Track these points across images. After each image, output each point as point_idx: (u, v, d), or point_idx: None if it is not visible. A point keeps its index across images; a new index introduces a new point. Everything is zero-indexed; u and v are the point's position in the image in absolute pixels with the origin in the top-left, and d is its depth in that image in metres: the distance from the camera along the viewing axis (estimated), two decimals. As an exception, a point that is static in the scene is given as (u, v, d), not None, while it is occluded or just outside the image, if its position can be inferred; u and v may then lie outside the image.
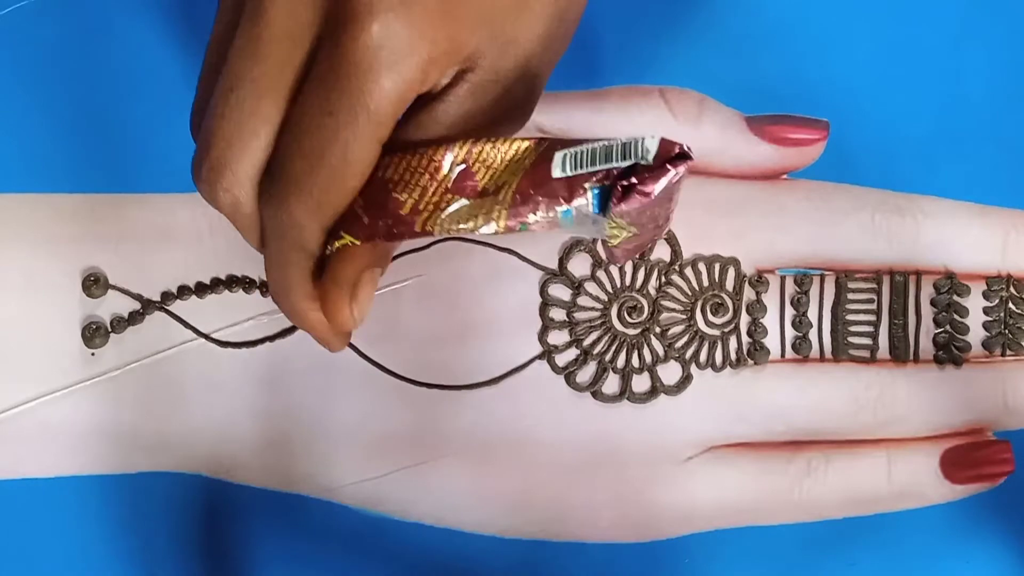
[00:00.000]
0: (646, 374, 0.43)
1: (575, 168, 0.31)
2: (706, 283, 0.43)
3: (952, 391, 0.43)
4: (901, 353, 0.43)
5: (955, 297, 0.43)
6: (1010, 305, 0.44)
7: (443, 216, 0.32)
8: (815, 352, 0.43)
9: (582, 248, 0.43)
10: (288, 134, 0.31)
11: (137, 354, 0.43)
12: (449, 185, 0.32)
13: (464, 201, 0.32)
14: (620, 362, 0.43)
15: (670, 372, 0.43)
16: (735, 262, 0.43)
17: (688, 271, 0.43)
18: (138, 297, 0.43)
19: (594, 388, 0.43)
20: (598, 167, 0.31)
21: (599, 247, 0.34)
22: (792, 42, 0.44)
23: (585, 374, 0.43)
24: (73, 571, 0.42)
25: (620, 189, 0.31)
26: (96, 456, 0.43)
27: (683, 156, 0.31)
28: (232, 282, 0.43)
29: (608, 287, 0.43)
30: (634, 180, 0.31)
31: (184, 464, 0.43)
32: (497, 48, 0.32)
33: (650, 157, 0.31)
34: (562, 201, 0.31)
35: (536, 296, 0.43)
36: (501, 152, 0.32)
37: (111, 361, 0.43)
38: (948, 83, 0.44)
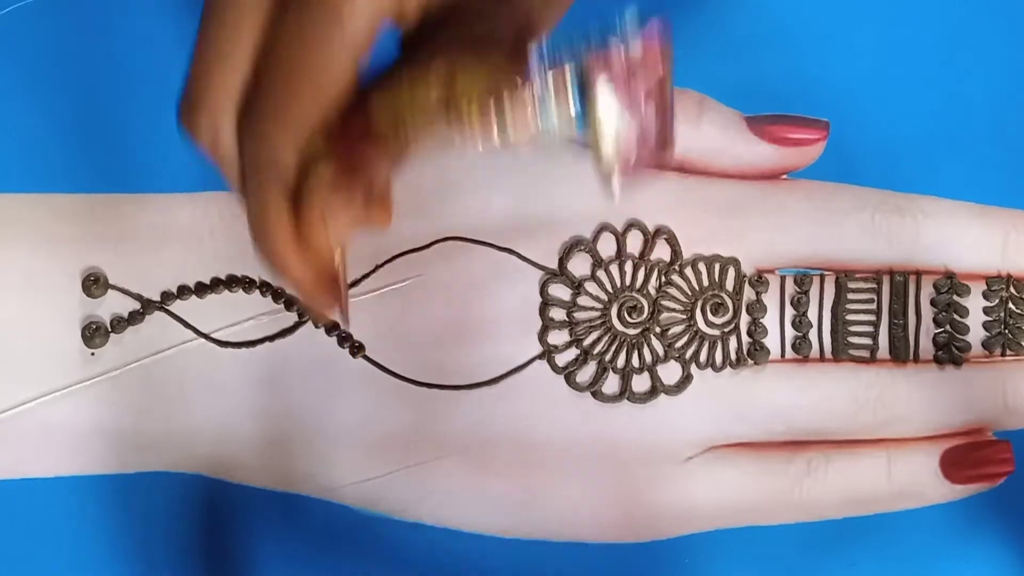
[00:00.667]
0: (646, 374, 0.43)
1: (552, 61, 0.29)
2: (706, 283, 0.43)
3: (952, 391, 0.43)
4: (901, 353, 0.43)
5: (955, 297, 0.43)
6: (1010, 305, 0.44)
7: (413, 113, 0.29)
8: (815, 352, 0.43)
9: (582, 248, 0.43)
10: (264, 59, 0.30)
11: (137, 354, 0.43)
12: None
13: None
14: (620, 362, 0.43)
15: (670, 372, 0.43)
16: (735, 262, 0.43)
17: (688, 271, 0.43)
18: (138, 297, 0.43)
19: (594, 388, 0.43)
20: (575, 49, 0.29)
21: (599, 174, 0.31)
22: (792, 42, 0.44)
23: (585, 374, 0.43)
24: (73, 571, 0.42)
25: (600, 59, 0.28)
26: (96, 456, 0.43)
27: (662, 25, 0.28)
28: (232, 282, 0.43)
29: (608, 287, 0.43)
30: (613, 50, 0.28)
31: (184, 464, 0.43)
32: None
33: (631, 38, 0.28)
34: (537, 74, 0.28)
35: (536, 296, 0.43)
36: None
37: (111, 361, 0.43)
38: (948, 83, 0.44)
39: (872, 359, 0.43)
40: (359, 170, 0.31)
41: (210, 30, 0.30)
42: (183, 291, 0.43)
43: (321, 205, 0.30)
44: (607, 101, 0.29)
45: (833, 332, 0.43)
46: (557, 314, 0.43)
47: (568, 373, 0.43)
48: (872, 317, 0.43)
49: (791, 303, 0.43)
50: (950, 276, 0.43)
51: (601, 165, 0.31)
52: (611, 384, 0.43)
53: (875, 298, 0.43)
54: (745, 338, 0.43)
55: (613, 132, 0.29)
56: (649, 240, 0.43)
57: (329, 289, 0.32)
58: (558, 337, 0.43)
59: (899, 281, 0.43)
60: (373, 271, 0.43)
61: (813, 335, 0.43)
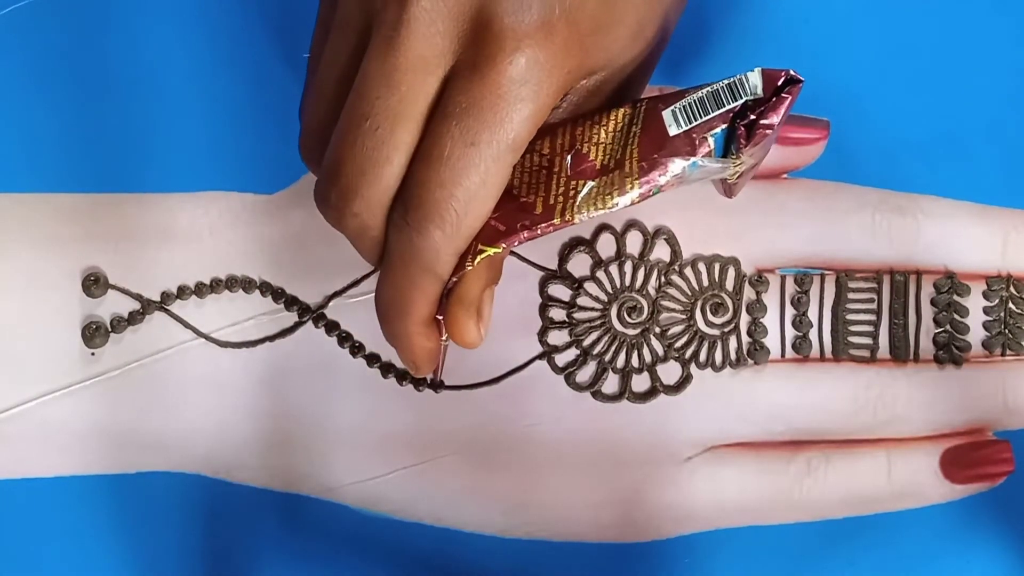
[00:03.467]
0: (646, 374, 0.43)
1: (688, 121, 0.32)
2: (706, 283, 0.43)
3: (952, 391, 0.43)
4: (901, 353, 0.43)
5: (955, 297, 0.43)
6: (1010, 305, 0.44)
7: (578, 202, 0.33)
8: (815, 352, 0.43)
9: (582, 248, 0.43)
10: (424, 163, 0.32)
11: (137, 354, 0.43)
12: (569, 172, 0.33)
13: (591, 183, 0.33)
14: (620, 362, 0.43)
15: (670, 372, 0.43)
16: (735, 262, 0.43)
17: (688, 271, 0.43)
18: (138, 297, 0.43)
19: (594, 388, 0.43)
20: (711, 114, 0.32)
21: (720, 182, 0.36)
22: (792, 42, 0.44)
23: (585, 374, 0.43)
24: (73, 571, 0.42)
25: (744, 129, 0.32)
26: (96, 456, 0.43)
27: (792, 81, 0.32)
28: (232, 282, 0.43)
29: (608, 287, 0.43)
30: (752, 117, 0.32)
31: (184, 464, 0.43)
32: (606, 71, 0.34)
33: (759, 91, 0.32)
34: (687, 156, 0.32)
35: (536, 296, 0.43)
36: (602, 126, 0.34)
37: (111, 361, 0.43)
38: (948, 83, 0.44)
39: (872, 359, 0.43)
40: (497, 270, 0.36)
41: (367, 127, 0.32)
42: (183, 291, 0.43)
43: (475, 307, 0.34)
44: (745, 158, 0.33)
45: (833, 332, 0.43)
46: (557, 314, 0.43)
47: (568, 373, 0.43)
48: (872, 317, 0.43)
49: (791, 303, 0.43)
50: (950, 276, 0.43)
51: (724, 186, 0.36)
52: (611, 384, 0.43)
53: (875, 298, 0.43)
54: (745, 338, 0.43)
55: (740, 170, 0.33)
56: (649, 240, 0.43)
57: (435, 362, 0.36)
58: (558, 337, 0.43)
59: (899, 281, 0.43)
60: (373, 271, 0.43)
61: (813, 335, 0.43)
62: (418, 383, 0.43)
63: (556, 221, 0.33)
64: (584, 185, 0.33)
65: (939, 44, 0.45)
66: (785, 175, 0.44)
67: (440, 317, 0.35)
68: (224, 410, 0.43)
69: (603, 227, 0.43)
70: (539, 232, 0.33)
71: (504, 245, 0.33)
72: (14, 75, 0.43)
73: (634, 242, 0.43)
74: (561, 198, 0.33)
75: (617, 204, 0.32)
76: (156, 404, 0.43)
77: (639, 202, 0.33)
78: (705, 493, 0.42)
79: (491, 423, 0.43)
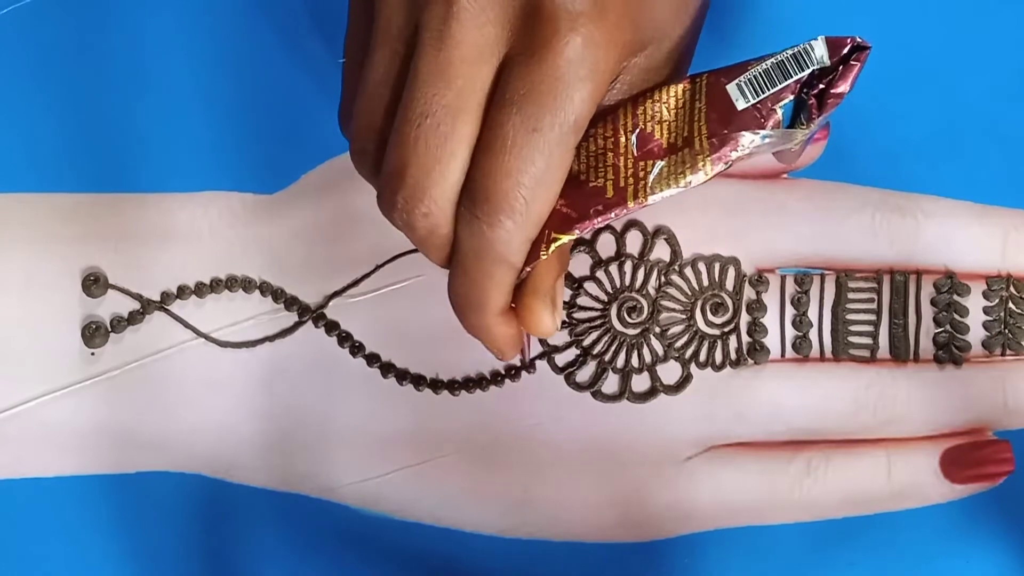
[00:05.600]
0: (646, 374, 0.43)
1: (756, 94, 0.32)
2: (706, 283, 0.43)
3: (952, 391, 0.43)
4: (901, 353, 0.43)
5: (955, 297, 0.43)
6: (1010, 305, 0.44)
7: (650, 183, 0.33)
8: (815, 352, 0.43)
9: (582, 248, 0.43)
10: (487, 153, 0.32)
11: (137, 354, 0.43)
12: (636, 153, 0.33)
13: (660, 163, 0.33)
14: (620, 362, 0.43)
15: (670, 372, 0.43)
16: (735, 262, 0.43)
17: (688, 271, 0.43)
18: (138, 297, 0.43)
19: (594, 388, 0.43)
20: (779, 86, 0.32)
21: (780, 152, 0.36)
22: (792, 42, 0.44)
23: (585, 374, 0.43)
24: (73, 571, 0.42)
25: (815, 99, 0.32)
26: (96, 456, 0.43)
27: (859, 48, 0.32)
28: (232, 282, 0.43)
29: (608, 287, 0.43)
30: (822, 86, 0.32)
31: (184, 464, 0.43)
32: (657, 45, 0.34)
33: (826, 59, 0.32)
34: (757, 129, 0.32)
35: (536, 296, 0.43)
36: (663, 104, 0.34)
37: (111, 361, 0.43)
38: (948, 83, 0.44)
39: (872, 359, 0.43)
40: (565, 260, 0.36)
41: (427, 126, 0.32)
42: (183, 291, 0.43)
43: (550, 297, 0.35)
44: (812, 126, 0.33)
45: (833, 331, 0.43)
46: (557, 314, 0.43)
47: (568, 373, 0.43)
48: (872, 317, 0.43)
49: (791, 302, 0.43)
50: (950, 276, 0.43)
51: (784, 155, 0.36)
52: (611, 384, 0.43)
53: (875, 298, 0.43)
54: (745, 338, 0.43)
55: (804, 138, 0.33)
56: (649, 240, 0.43)
57: (519, 345, 0.37)
58: (558, 337, 0.43)
59: (899, 281, 0.43)
60: (373, 271, 0.43)
61: (813, 334, 0.43)
62: (418, 383, 0.43)
63: (630, 204, 0.33)
64: (653, 165, 0.33)
65: (939, 44, 0.45)
66: (785, 175, 0.44)
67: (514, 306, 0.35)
68: (224, 410, 0.43)
69: (603, 227, 0.43)
70: (612, 215, 0.33)
71: (578, 231, 0.33)
72: (14, 75, 0.43)
73: (634, 242, 0.43)
74: (632, 180, 0.33)
75: (691, 182, 0.32)
76: (156, 404, 0.43)
77: (713, 178, 0.33)
78: (705, 493, 0.42)
79: (491, 423, 0.43)
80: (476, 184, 0.32)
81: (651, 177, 0.33)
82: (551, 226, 0.33)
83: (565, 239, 0.33)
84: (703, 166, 0.32)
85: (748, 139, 0.32)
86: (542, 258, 0.33)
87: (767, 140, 0.32)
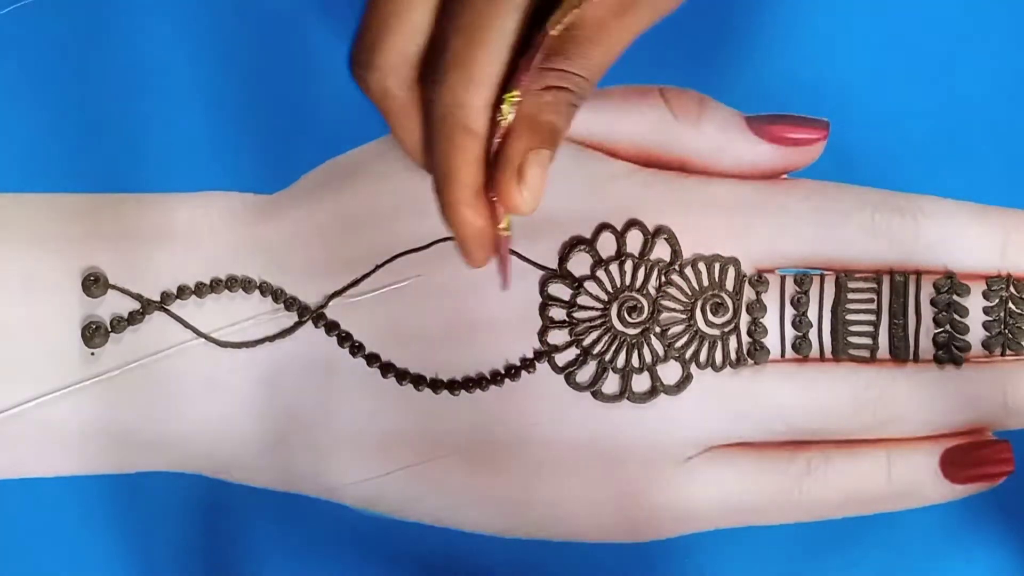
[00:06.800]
0: (646, 374, 0.43)
1: None
2: (706, 283, 0.43)
3: (952, 391, 0.43)
4: (901, 353, 0.43)
5: (955, 297, 0.43)
6: (1010, 305, 0.44)
7: (556, 15, 0.33)
8: (815, 352, 0.43)
9: (582, 248, 0.43)
10: (444, 14, 0.32)
11: (137, 354, 0.43)
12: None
13: None
14: (620, 362, 0.43)
15: (670, 372, 0.43)
16: (735, 262, 0.43)
17: (688, 271, 0.43)
18: (138, 297, 0.43)
19: (594, 388, 0.43)
20: None
21: None
22: (792, 42, 0.44)
23: (585, 374, 0.43)
24: (73, 571, 0.42)
25: None
26: (96, 456, 0.43)
27: None
28: (232, 282, 0.43)
29: (608, 287, 0.43)
30: None
31: (183, 464, 0.43)
32: None
33: None
34: None
35: (536, 296, 0.43)
36: None
37: (111, 361, 0.43)
38: (948, 83, 0.44)
39: (872, 359, 0.43)
40: (551, 133, 0.34)
41: None
42: (183, 291, 0.43)
43: (515, 167, 0.33)
44: None
45: (833, 332, 0.43)
46: (557, 314, 0.43)
47: (568, 373, 0.43)
48: (872, 317, 0.43)
49: (791, 303, 0.43)
50: (950, 276, 0.43)
51: None
52: (611, 384, 0.43)
53: (875, 298, 0.43)
54: (745, 338, 0.43)
55: None
56: (649, 240, 0.43)
57: (489, 247, 0.35)
58: (558, 337, 0.43)
59: (899, 281, 0.43)
60: (373, 271, 0.43)
61: (813, 335, 0.43)
62: (418, 383, 0.43)
63: (539, 38, 0.33)
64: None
65: (939, 44, 0.45)
66: (785, 176, 0.44)
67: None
68: (224, 410, 0.43)
69: (603, 226, 0.43)
70: (530, 57, 0.33)
71: (520, 89, 0.33)
72: (14, 75, 0.43)
73: (634, 241, 0.43)
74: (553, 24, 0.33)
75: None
76: (156, 404, 0.43)
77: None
78: (705, 493, 0.42)
79: (491, 423, 0.43)
80: (434, 46, 0.33)
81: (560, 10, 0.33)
82: (506, 88, 0.33)
83: (509, 97, 0.33)
84: None
85: None
86: (500, 122, 0.33)
87: None
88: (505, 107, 0.33)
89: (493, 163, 0.34)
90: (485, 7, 0.32)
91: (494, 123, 0.33)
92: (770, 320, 0.43)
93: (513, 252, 0.43)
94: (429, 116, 0.34)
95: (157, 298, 0.43)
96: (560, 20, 0.33)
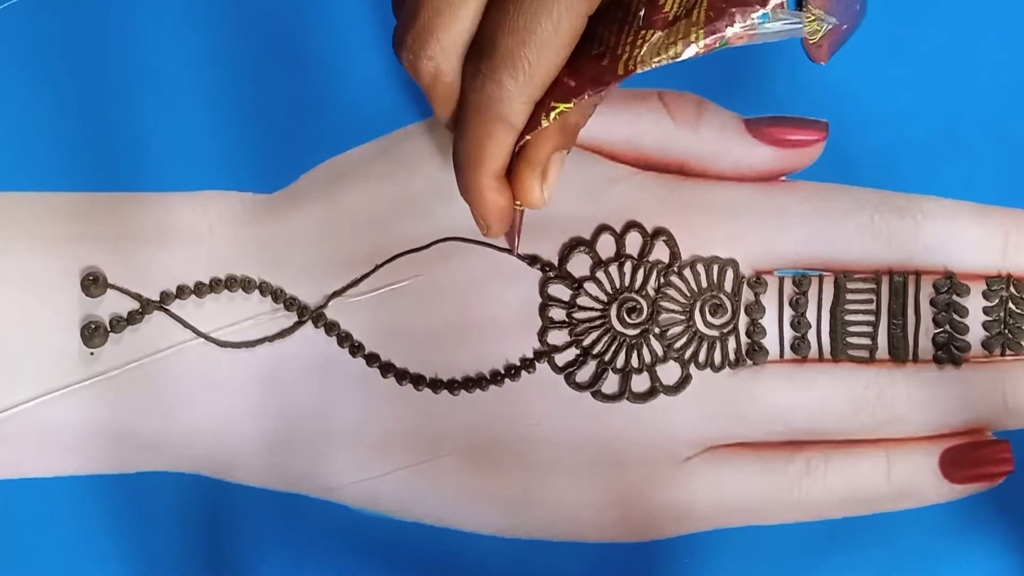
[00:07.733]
0: (645, 374, 0.43)
1: None
2: (705, 284, 0.43)
3: (952, 391, 0.43)
4: (900, 353, 0.43)
5: (955, 297, 0.43)
6: (1010, 305, 0.44)
7: (642, 52, 0.32)
8: (814, 352, 0.43)
9: (582, 248, 0.43)
10: (499, 9, 0.33)
11: (136, 354, 0.43)
12: (641, 24, 0.33)
13: (659, 33, 0.33)
14: (620, 362, 0.43)
15: (669, 372, 0.43)
16: (734, 263, 0.43)
17: (687, 272, 0.43)
18: (137, 297, 0.43)
19: (594, 388, 0.43)
20: None
21: (808, 47, 0.36)
22: (791, 43, 0.44)
23: (585, 374, 0.43)
24: (73, 571, 0.42)
25: None
26: (95, 456, 0.43)
27: None
28: (232, 282, 0.43)
29: (608, 287, 0.43)
30: None
31: (183, 464, 0.43)
32: None
33: None
34: (757, 6, 0.32)
35: (536, 296, 0.43)
36: None
37: (110, 361, 0.43)
38: (948, 83, 0.44)
39: (871, 359, 0.43)
40: (570, 135, 0.36)
41: None
42: (183, 291, 0.43)
43: (541, 168, 0.35)
44: (819, 12, 0.33)
45: (832, 332, 0.43)
46: (557, 314, 0.43)
47: (568, 373, 0.43)
48: (871, 317, 0.43)
49: (789, 304, 0.43)
50: (950, 276, 0.43)
51: (810, 49, 0.37)
52: (611, 384, 0.43)
53: (874, 298, 0.43)
54: (744, 339, 0.43)
55: (822, 31, 0.34)
56: (648, 241, 0.43)
57: (508, 221, 0.37)
58: (558, 337, 0.43)
59: (898, 281, 0.43)
60: (373, 271, 0.43)
61: (812, 335, 0.43)
62: (418, 383, 0.43)
63: (620, 72, 0.33)
64: (652, 35, 0.33)
65: (939, 44, 0.44)
66: (784, 177, 0.44)
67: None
68: (224, 410, 0.43)
69: (603, 227, 0.43)
70: (603, 84, 0.33)
71: (574, 101, 0.33)
72: (12, 73, 0.43)
73: (634, 243, 0.43)
74: (627, 48, 0.33)
75: (681, 54, 0.32)
76: (155, 404, 0.43)
77: (703, 52, 0.32)
78: (705, 493, 0.42)
79: (491, 423, 0.43)
80: (484, 38, 0.33)
81: (645, 46, 0.33)
82: (554, 96, 0.33)
83: (562, 108, 0.33)
84: (695, 38, 0.32)
85: (746, 16, 0.32)
86: (542, 126, 0.34)
87: (768, 20, 0.32)
88: (554, 114, 0.33)
89: (516, 155, 0.35)
90: (545, 7, 0.32)
91: (534, 120, 0.34)
92: (769, 321, 0.43)
93: (513, 253, 0.43)
94: (466, 102, 0.34)
95: (156, 298, 0.43)
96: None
